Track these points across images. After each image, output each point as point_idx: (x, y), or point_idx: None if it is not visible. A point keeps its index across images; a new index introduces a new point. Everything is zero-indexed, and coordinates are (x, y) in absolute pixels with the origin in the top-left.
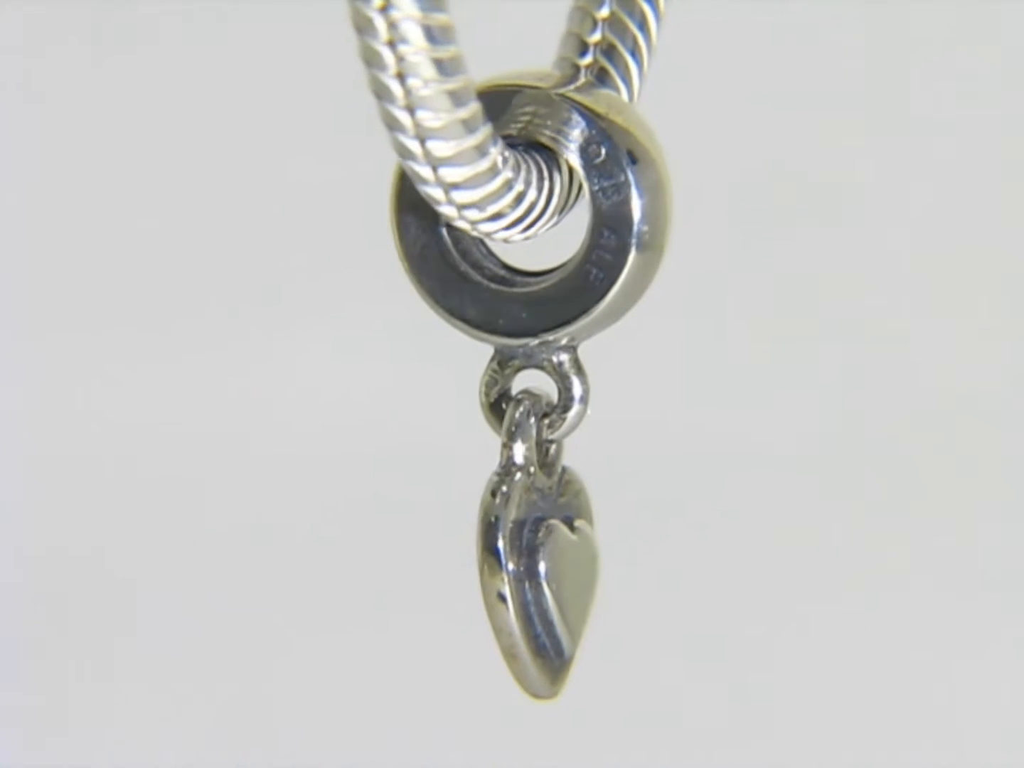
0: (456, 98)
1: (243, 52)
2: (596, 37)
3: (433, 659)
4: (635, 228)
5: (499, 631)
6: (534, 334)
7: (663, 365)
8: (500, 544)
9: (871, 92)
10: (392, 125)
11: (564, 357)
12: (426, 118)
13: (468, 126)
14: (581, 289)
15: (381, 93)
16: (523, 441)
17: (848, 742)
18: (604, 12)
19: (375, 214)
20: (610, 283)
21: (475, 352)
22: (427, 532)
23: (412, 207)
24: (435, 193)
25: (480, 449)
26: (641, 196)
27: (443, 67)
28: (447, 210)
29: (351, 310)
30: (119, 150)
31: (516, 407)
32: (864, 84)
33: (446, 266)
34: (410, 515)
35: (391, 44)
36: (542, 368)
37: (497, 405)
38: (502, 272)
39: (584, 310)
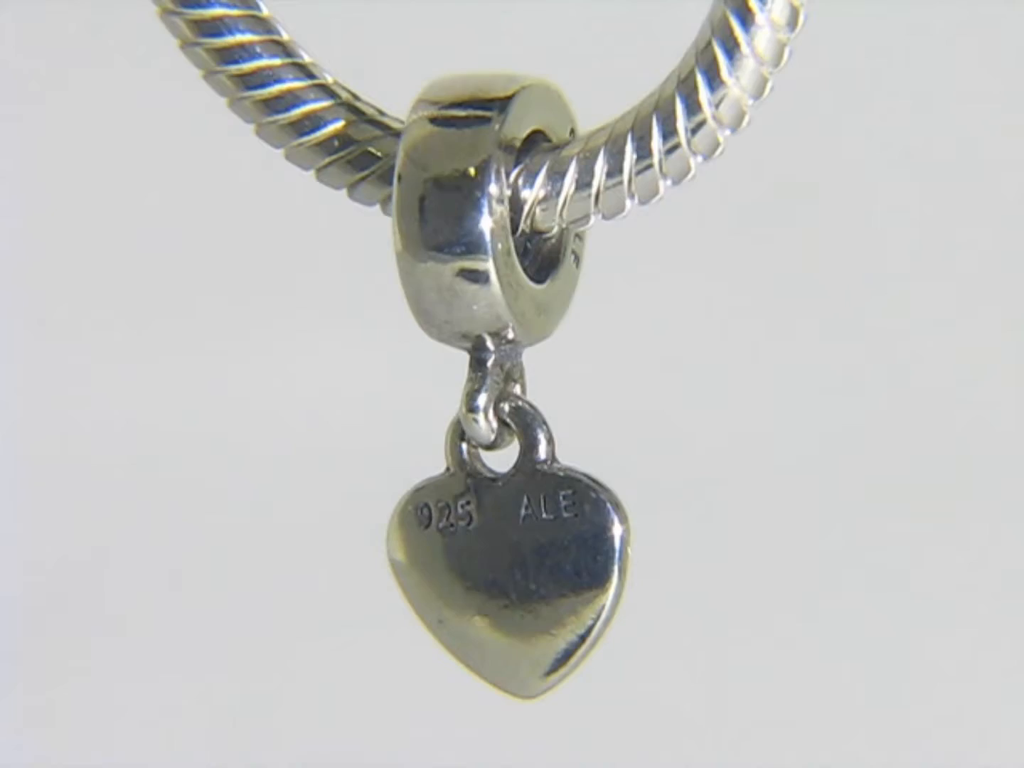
0: None
1: None
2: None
3: (426, 660)
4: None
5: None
6: (548, 334)
7: (661, 364)
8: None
9: (875, 90)
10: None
11: (515, 363)
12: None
13: None
14: (571, 279)
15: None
16: (548, 440)
17: (848, 742)
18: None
19: (371, 214)
20: (578, 267)
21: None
22: None
23: None
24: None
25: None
26: None
27: None
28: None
29: (347, 311)
30: (118, 150)
31: (522, 409)
32: (868, 83)
33: None
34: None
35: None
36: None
37: (487, 412)
38: None
39: (571, 298)
